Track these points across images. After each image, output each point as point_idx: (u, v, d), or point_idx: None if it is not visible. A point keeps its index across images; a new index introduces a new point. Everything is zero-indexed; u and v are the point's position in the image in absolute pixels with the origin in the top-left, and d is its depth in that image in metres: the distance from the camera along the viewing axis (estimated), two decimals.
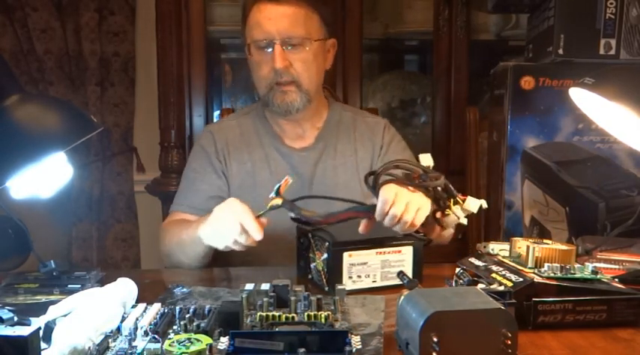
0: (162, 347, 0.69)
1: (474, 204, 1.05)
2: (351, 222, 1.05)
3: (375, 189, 1.04)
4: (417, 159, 1.10)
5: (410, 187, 1.03)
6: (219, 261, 1.49)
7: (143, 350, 0.71)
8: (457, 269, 0.95)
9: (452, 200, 1.05)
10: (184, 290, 1.01)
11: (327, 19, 1.37)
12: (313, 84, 1.35)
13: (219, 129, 1.44)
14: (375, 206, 1.01)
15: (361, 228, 1.04)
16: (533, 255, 0.93)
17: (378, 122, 1.48)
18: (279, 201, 1.03)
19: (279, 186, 1.04)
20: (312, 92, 1.36)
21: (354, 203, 1.09)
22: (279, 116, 1.39)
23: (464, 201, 1.05)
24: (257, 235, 1.04)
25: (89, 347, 0.69)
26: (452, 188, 1.06)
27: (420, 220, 1.01)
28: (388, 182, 1.03)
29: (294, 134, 1.42)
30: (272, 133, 1.42)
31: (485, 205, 1.06)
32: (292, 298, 0.86)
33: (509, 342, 0.68)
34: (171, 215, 1.39)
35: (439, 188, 1.05)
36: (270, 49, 1.29)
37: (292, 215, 1.06)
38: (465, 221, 1.08)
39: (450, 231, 1.11)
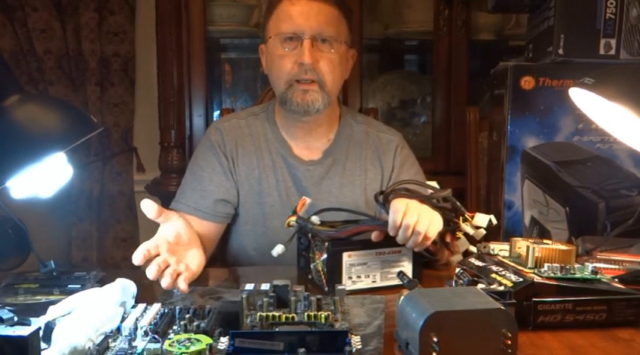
0: (162, 347, 0.69)
1: (482, 219, 1.06)
2: None
3: (385, 206, 1.06)
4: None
5: (419, 200, 1.04)
6: (219, 260, 1.49)
7: (143, 350, 0.71)
8: (457, 269, 0.95)
9: (460, 218, 1.06)
10: None
11: (350, 30, 1.35)
12: (335, 87, 1.32)
13: (229, 128, 1.38)
14: (387, 221, 1.01)
15: (374, 236, 1.03)
16: (533, 255, 0.93)
17: (391, 140, 1.41)
18: (294, 219, 1.06)
19: (296, 206, 1.07)
20: (333, 95, 1.32)
21: (367, 216, 1.10)
22: (293, 119, 1.34)
23: (472, 217, 1.06)
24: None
25: (89, 347, 0.69)
26: (459, 205, 1.07)
27: (433, 232, 1.01)
28: (398, 197, 1.05)
29: (303, 143, 1.37)
30: (281, 141, 1.36)
31: (494, 221, 1.07)
32: (292, 298, 0.86)
33: (509, 342, 0.68)
34: None
35: (447, 206, 1.06)
36: (296, 44, 1.26)
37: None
38: (474, 249, 1.09)
39: (458, 257, 1.10)
